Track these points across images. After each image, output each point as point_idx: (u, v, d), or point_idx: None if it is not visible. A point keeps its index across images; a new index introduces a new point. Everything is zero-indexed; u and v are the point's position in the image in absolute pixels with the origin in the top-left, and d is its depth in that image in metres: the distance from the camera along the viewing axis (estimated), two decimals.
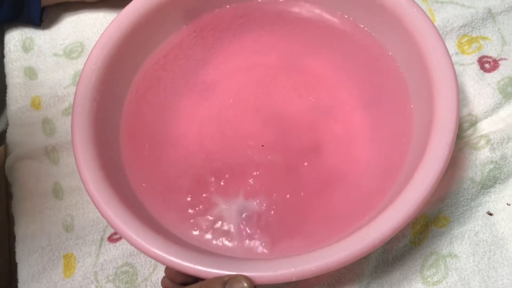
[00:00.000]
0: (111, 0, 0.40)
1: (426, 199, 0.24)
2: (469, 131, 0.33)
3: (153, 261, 0.32)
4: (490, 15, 0.36)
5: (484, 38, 0.36)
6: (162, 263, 0.25)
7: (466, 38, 0.36)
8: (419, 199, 0.24)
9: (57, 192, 0.35)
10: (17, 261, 0.33)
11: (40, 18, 0.40)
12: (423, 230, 0.31)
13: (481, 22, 0.36)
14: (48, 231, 0.33)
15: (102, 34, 0.31)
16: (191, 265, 0.24)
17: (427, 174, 0.25)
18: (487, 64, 0.35)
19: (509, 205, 0.31)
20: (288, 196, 0.29)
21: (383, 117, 0.30)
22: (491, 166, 0.32)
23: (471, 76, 0.34)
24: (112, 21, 0.31)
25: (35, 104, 0.37)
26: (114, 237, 0.33)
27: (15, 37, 0.39)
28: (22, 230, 0.33)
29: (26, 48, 0.39)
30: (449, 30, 0.36)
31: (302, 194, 0.30)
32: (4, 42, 0.40)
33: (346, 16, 0.33)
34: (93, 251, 0.33)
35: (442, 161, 0.25)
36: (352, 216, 0.28)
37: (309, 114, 0.32)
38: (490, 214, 0.31)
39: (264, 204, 0.29)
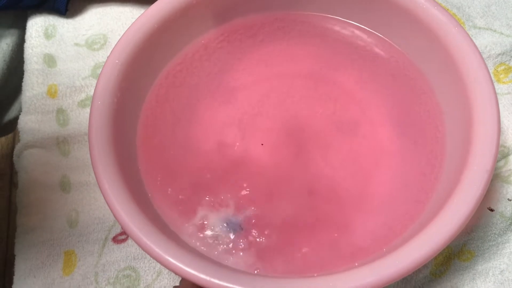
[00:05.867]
0: None
1: (461, 229, 0.23)
2: (501, 163, 0.32)
3: (157, 267, 0.31)
4: None
5: None
6: (179, 274, 0.23)
7: (503, 67, 0.34)
8: (454, 229, 0.23)
9: (65, 185, 0.33)
10: (15, 253, 0.32)
11: (66, 7, 0.39)
12: (445, 262, 0.29)
13: None
14: (51, 225, 0.32)
15: (127, 29, 0.30)
16: (207, 278, 0.23)
17: (463, 201, 0.23)
18: None
19: (510, 200, 0.30)
20: (305, 217, 0.28)
21: (412, 137, 0.29)
22: None
23: (505, 106, 0.33)
24: (140, 16, 0.30)
25: (51, 92, 0.36)
26: (119, 238, 0.32)
27: (37, 23, 0.39)
28: (24, 221, 0.32)
29: (48, 35, 0.38)
30: (486, 57, 0.35)
31: (320, 215, 0.28)
32: (26, 27, 0.39)
33: (381, 35, 0.32)
34: (96, 250, 0.31)
35: (481, 188, 0.23)
36: (372, 243, 0.27)
37: (334, 129, 0.30)
38: (491, 210, 0.30)
39: (279, 222, 0.28)
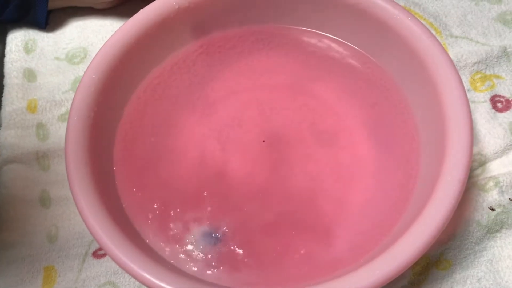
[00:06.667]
0: (119, 8, 0.40)
1: (435, 239, 0.23)
2: (478, 171, 0.32)
3: (137, 282, 0.31)
4: (505, 54, 0.35)
5: (497, 77, 0.35)
6: None
7: (479, 75, 0.35)
8: (428, 239, 0.23)
9: (44, 200, 0.33)
10: None
11: (46, 21, 0.39)
12: (424, 272, 0.30)
13: (495, 60, 0.35)
14: (31, 240, 0.32)
15: (105, 43, 0.30)
16: None
17: (436, 212, 0.23)
18: (499, 104, 0.34)
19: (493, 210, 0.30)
20: (284, 229, 0.28)
21: (389, 149, 0.29)
22: (499, 210, 0.30)
23: (482, 114, 0.33)
24: (117, 30, 0.30)
25: (31, 107, 0.36)
26: (99, 253, 0.32)
27: (17, 37, 0.38)
28: (3, 237, 0.32)
29: (28, 49, 0.38)
30: (463, 66, 0.35)
31: (299, 226, 0.28)
32: (6, 41, 0.39)
33: (357, 47, 0.32)
34: (76, 265, 0.31)
35: (454, 199, 0.24)
36: (350, 254, 0.27)
37: (312, 140, 0.30)
38: (492, 210, 0.30)
39: (259, 235, 0.28)
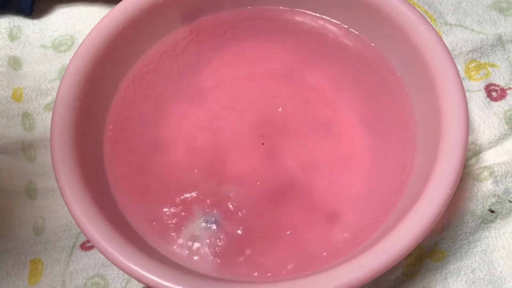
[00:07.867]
0: None
1: (430, 229, 0.23)
2: (472, 161, 0.32)
3: (126, 274, 0.30)
4: (500, 42, 0.35)
5: (492, 65, 0.34)
6: (143, 282, 0.23)
7: (474, 64, 0.34)
8: (422, 229, 0.23)
9: (31, 191, 0.32)
10: None
11: (31, 8, 0.38)
12: (417, 263, 0.29)
13: (490, 48, 0.34)
14: (17, 233, 0.31)
15: (91, 30, 0.29)
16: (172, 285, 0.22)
17: (431, 202, 0.23)
18: (494, 93, 0.33)
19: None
20: (276, 220, 0.28)
21: (385, 139, 0.29)
22: (493, 200, 0.30)
23: (477, 103, 0.33)
24: (104, 17, 0.29)
25: (16, 96, 0.35)
26: (87, 245, 0.31)
27: (2, 25, 0.37)
28: None
29: (13, 36, 0.37)
30: (457, 54, 0.34)
31: (291, 217, 0.28)
32: None
33: (353, 30, 0.31)
34: (63, 258, 0.31)
35: (449, 188, 0.23)
36: (343, 245, 0.26)
37: (306, 130, 0.30)
38: (492, 212, 0.30)
39: (250, 227, 0.27)
